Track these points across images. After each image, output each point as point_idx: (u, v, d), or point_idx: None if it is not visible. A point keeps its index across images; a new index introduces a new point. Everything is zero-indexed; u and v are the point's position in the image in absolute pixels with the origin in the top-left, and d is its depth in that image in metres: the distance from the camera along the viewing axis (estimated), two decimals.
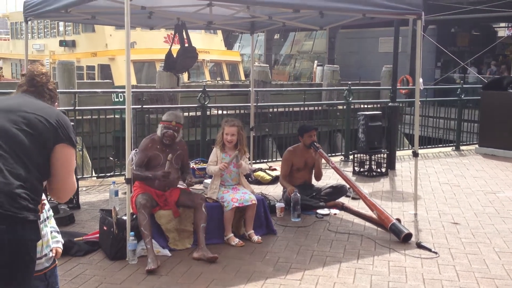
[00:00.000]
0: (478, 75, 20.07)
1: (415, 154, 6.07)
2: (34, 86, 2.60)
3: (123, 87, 6.51)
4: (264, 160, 9.12)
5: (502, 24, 26.77)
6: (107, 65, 22.10)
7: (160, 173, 4.69)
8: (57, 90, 2.76)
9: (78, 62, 21.44)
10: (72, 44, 25.17)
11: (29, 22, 6.50)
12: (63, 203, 5.88)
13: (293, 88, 16.80)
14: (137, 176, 4.76)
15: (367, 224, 5.62)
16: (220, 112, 9.19)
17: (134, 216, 4.62)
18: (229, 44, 31.43)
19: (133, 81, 18.48)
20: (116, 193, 5.99)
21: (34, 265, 2.38)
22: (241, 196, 5.03)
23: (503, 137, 9.73)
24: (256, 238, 5.02)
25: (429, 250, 4.82)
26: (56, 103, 2.71)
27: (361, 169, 8.21)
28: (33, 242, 2.33)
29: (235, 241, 4.91)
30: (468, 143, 11.17)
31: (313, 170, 6.28)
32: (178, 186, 5.01)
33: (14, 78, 30.97)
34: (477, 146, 10.37)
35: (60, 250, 2.73)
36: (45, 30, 28.34)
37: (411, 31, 18.77)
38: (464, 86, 11.64)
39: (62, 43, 25.57)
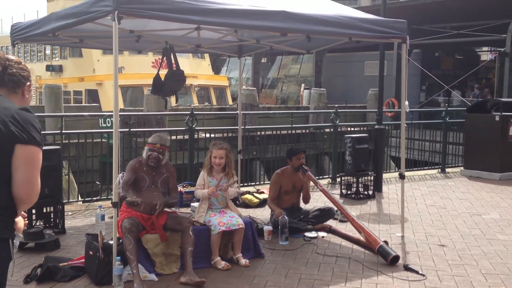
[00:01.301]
0: (462, 98, 20.35)
1: (402, 177, 6.11)
2: None
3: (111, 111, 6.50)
4: (252, 183, 9.11)
5: (485, 48, 27.29)
6: (95, 90, 22.06)
7: (153, 209, 4.74)
8: (31, 90, 2.53)
9: (65, 87, 21.34)
10: (59, 69, 25.12)
11: (16, 46, 6.50)
12: (48, 228, 5.83)
13: (280, 111, 16.88)
14: (123, 197, 4.72)
15: (355, 246, 5.61)
16: (208, 135, 9.20)
17: (121, 240, 4.58)
18: (216, 68, 31.62)
19: (121, 105, 18.45)
20: (103, 218, 5.93)
21: (4, 285, 2.31)
22: (228, 220, 5.01)
23: (488, 159, 9.83)
24: (243, 261, 4.99)
25: (417, 272, 4.82)
26: (28, 83, 2.50)
27: (349, 192, 8.24)
28: (3, 261, 2.27)
29: (221, 264, 4.88)
30: (453, 165, 11.26)
31: (301, 193, 6.28)
32: (165, 209, 4.97)
33: None
34: (462, 168, 10.46)
35: None
36: (32, 54, 28.29)
37: (396, 55, 19.00)
38: (449, 109, 11.79)
39: (49, 68, 25.51)
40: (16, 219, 2.40)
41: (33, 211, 5.86)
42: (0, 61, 2.43)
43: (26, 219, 2.53)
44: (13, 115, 2.26)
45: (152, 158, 4.89)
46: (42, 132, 2.38)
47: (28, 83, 2.50)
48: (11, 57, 2.52)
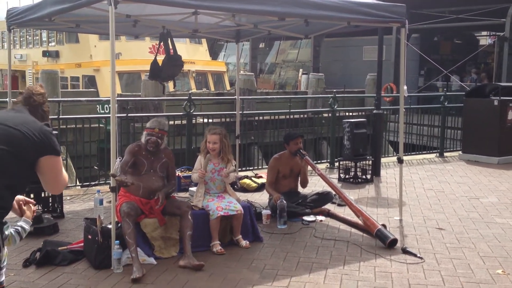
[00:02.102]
0: (461, 82, 20.32)
1: (400, 161, 6.11)
2: (29, 104, 2.70)
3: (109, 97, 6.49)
4: (250, 168, 9.12)
5: (484, 33, 27.16)
6: (92, 76, 21.96)
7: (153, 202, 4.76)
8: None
9: (62, 73, 21.23)
10: (55, 55, 24.96)
11: (11, 31, 6.45)
12: (47, 213, 5.85)
13: (278, 96, 16.85)
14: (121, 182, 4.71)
15: (353, 230, 5.63)
16: (205, 120, 9.19)
17: (119, 224, 4.59)
18: (214, 53, 31.48)
19: (118, 91, 18.37)
20: (101, 202, 5.94)
21: None
22: (226, 205, 5.02)
23: (486, 143, 9.85)
24: (244, 243, 5.02)
25: (415, 255, 4.84)
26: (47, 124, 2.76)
27: (347, 176, 8.25)
28: None
29: (216, 248, 4.89)
30: (451, 149, 11.28)
31: (299, 177, 6.29)
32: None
33: None
34: (460, 152, 10.48)
35: None
36: (28, 39, 28.10)
37: (394, 40, 18.93)
38: (447, 93, 11.77)
39: (45, 54, 25.35)
40: (25, 207, 2.68)
41: (32, 195, 5.85)
42: (43, 95, 2.78)
43: (35, 205, 2.78)
44: (41, 130, 2.54)
45: (151, 143, 4.89)
46: None
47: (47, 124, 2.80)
48: None
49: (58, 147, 2.60)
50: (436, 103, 11.98)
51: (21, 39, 28.56)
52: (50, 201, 6.02)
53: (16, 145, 2.43)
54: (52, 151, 2.54)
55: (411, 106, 12.10)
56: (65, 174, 2.68)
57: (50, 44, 25.91)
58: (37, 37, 27.06)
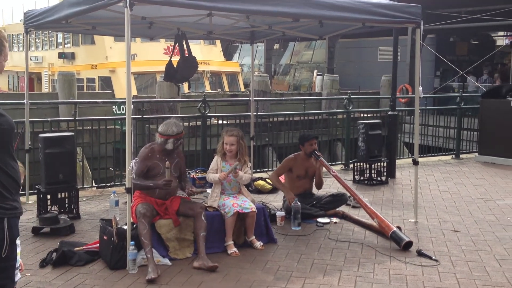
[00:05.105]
0: (477, 83, 20.12)
1: (415, 163, 6.07)
2: None
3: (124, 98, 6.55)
4: (264, 169, 9.12)
5: (501, 33, 26.86)
6: (108, 77, 22.13)
7: (161, 182, 4.70)
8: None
9: (78, 74, 21.41)
10: (71, 56, 25.20)
11: (28, 34, 6.53)
12: (63, 214, 5.89)
13: (293, 98, 16.84)
14: (138, 185, 4.76)
15: (368, 232, 5.61)
16: (220, 121, 9.20)
17: (135, 225, 4.62)
18: (228, 55, 31.54)
19: (134, 92, 18.50)
20: (117, 203, 5.99)
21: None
22: (241, 203, 5.04)
23: (502, 145, 9.73)
24: (258, 244, 5.03)
25: (430, 258, 4.81)
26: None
27: (361, 178, 8.21)
28: None
29: (231, 250, 4.90)
30: (467, 151, 11.18)
31: (314, 179, 6.28)
32: (178, 194, 5.01)
33: (11, 90, 31.04)
34: (476, 154, 10.37)
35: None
36: (43, 42, 28.40)
37: (410, 40, 18.82)
38: (463, 94, 11.67)
39: (61, 55, 25.59)
40: None
41: (48, 196, 5.93)
42: None
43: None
44: None
45: (180, 144, 5.05)
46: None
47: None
48: None
49: None
50: (452, 104, 11.86)
51: (37, 41, 28.86)
52: (67, 202, 6.07)
53: None
54: None
55: (427, 107, 12.01)
56: None
57: (65, 46, 26.16)
58: (53, 39, 27.33)
